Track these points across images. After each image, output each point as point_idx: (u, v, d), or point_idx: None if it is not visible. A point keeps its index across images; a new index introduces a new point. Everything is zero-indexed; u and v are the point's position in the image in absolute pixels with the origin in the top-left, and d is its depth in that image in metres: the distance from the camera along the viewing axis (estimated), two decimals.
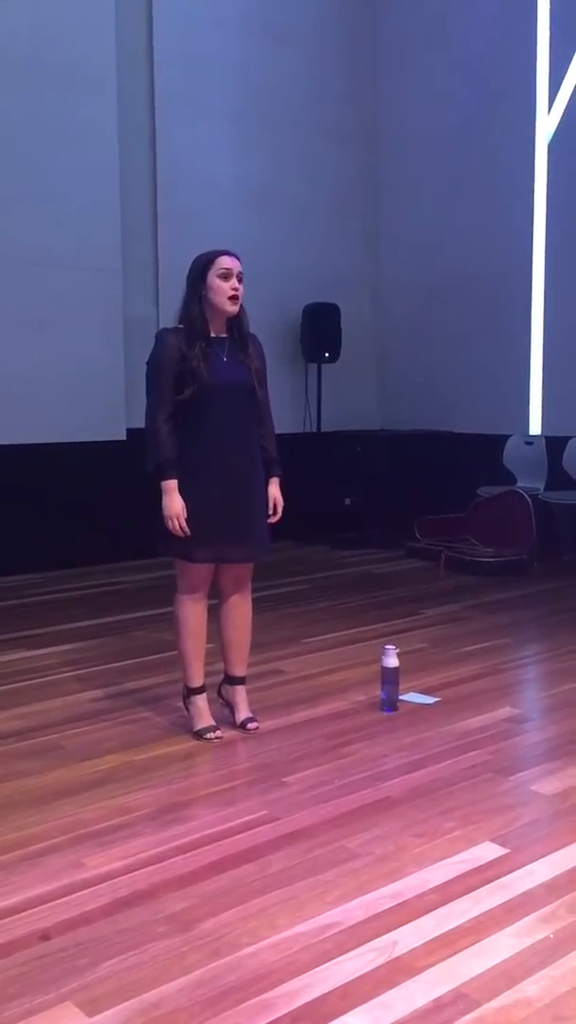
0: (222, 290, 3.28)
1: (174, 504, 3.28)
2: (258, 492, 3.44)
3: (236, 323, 3.37)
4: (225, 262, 3.29)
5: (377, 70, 7.96)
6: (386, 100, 7.96)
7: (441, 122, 7.51)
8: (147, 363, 3.38)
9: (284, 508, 3.49)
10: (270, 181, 7.32)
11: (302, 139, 7.51)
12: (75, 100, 6.28)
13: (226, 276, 3.29)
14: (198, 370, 3.25)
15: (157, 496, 3.31)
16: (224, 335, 3.37)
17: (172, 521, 3.28)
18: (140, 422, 3.45)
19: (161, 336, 3.36)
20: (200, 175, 6.97)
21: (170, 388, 3.28)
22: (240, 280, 3.31)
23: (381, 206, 8.07)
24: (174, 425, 3.30)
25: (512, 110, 7.04)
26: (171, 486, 3.29)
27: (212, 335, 3.34)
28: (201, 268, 3.31)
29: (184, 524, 3.28)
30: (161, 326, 3.57)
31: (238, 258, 3.34)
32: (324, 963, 2.13)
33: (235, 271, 3.30)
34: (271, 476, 3.49)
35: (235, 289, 3.30)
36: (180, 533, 3.28)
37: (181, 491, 3.29)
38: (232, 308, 3.31)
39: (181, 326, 3.33)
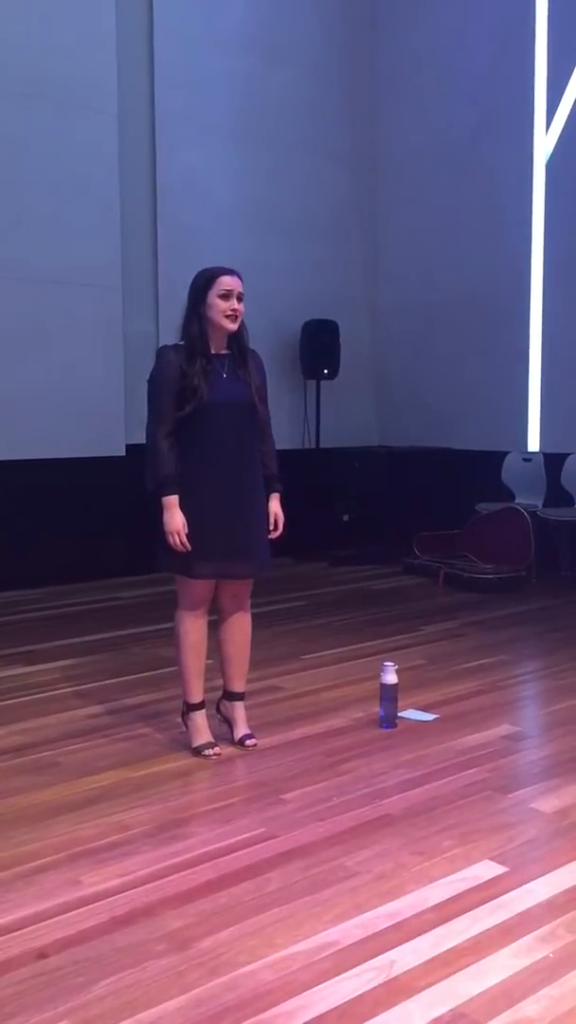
0: (221, 310, 3.30)
1: (175, 520, 3.29)
2: (259, 508, 3.44)
3: (236, 339, 3.38)
4: (226, 282, 3.30)
5: (376, 90, 8.02)
6: (385, 120, 8.01)
7: (439, 141, 7.56)
8: (148, 380, 3.40)
9: (283, 524, 3.50)
10: (269, 200, 7.36)
11: (301, 158, 7.56)
12: (76, 119, 6.32)
13: (226, 296, 3.30)
14: (198, 387, 3.26)
15: (158, 512, 3.32)
16: (225, 351, 3.38)
17: (173, 537, 3.28)
18: (139, 438, 3.46)
19: (162, 353, 3.38)
20: (200, 194, 7.01)
21: (171, 404, 3.29)
22: (240, 300, 3.33)
23: (380, 224, 8.11)
24: (175, 441, 3.31)
25: (510, 130, 7.08)
26: (172, 502, 3.30)
27: (212, 352, 3.35)
28: (202, 286, 3.33)
29: (185, 540, 3.28)
30: (160, 343, 3.60)
31: (239, 276, 3.35)
32: (322, 982, 2.12)
33: (235, 291, 3.31)
34: (272, 492, 3.50)
35: (234, 310, 3.31)
36: (181, 549, 3.29)
37: (182, 507, 3.30)
38: (231, 327, 3.33)
39: (182, 343, 3.35)
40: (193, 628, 3.43)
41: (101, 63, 6.41)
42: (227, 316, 3.31)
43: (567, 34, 6.75)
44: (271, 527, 3.47)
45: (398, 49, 7.86)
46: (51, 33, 6.19)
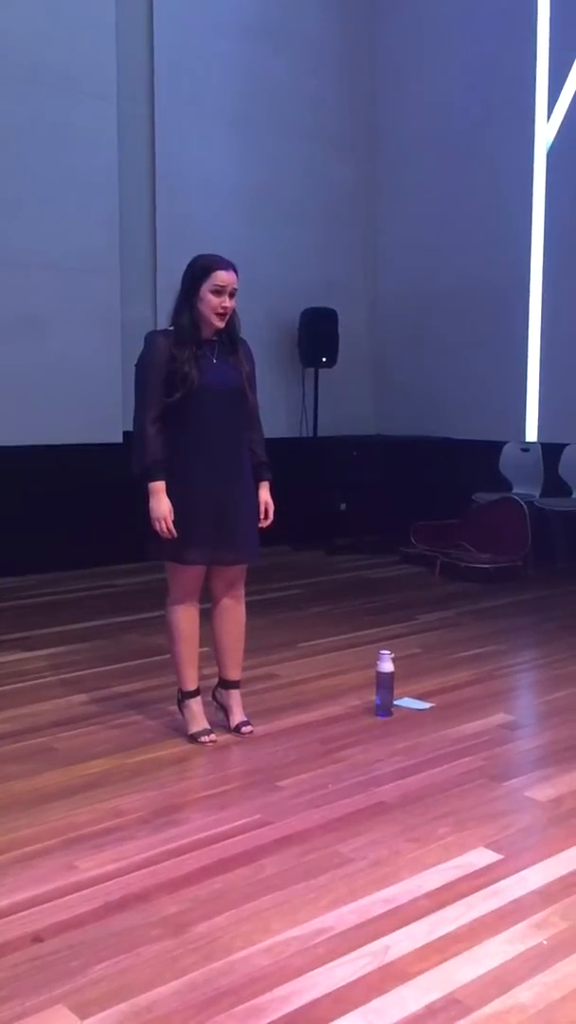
0: (212, 306, 3.28)
1: (161, 506, 3.27)
2: (247, 494, 3.43)
3: (227, 326, 3.36)
4: (220, 277, 3.27)
5: (376, 77, 7.99)
6: (385, 107, 7.98)
7: (440, 129, 7.53)
8: (136, 364, 3.38)
9: (279, 512, 3.49)
10: (268, 186, 7.34)
11: (301, 145, 7.53)
12: (75, 104, 6.29)
13: (218, 292, 3.27)
14: (188, 374, 3.25)
15: (145, 498, 3.31)
16: (215, 338, 3.36)
17: (158, 523, 3.26)
18: None
19: (150, 338, 3.36)
20: (199, 180, 6.98)
21: (159, 389, 3.28)
22: (232, 296, 3.30)
23: (379, 212, 8.09)
24: (162, 426, 3.30)
25: (511, 117, 7.06)
26: (158, 488, 3.28)
27: (203, 338, 3.33)
28: (197, 276, 3.29)
29: (171, 526, 3.26)
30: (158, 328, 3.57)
31: (235, 270, 3.32)
32: (317, 968, 2.12)
33: (228, 288, 3.28)
34: (261, 480, 3.48)
35: (224, 307, 3.28)
36: (166, 535, 3.27)
37: (169, 493, 3.28)
38: (218, 324, 3.31)
39: (171, 328, 3.33)
40: (184, 618, 3.42)
41: (100, 49, 6.38)
42: (216, 313, 3.28)
43: (569, 22, 6.72)
44: (261, 515, 3.46)
45: (398, 35, 7.82)
46: (50, 18, 6.15)
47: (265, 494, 3.48)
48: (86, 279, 6.38)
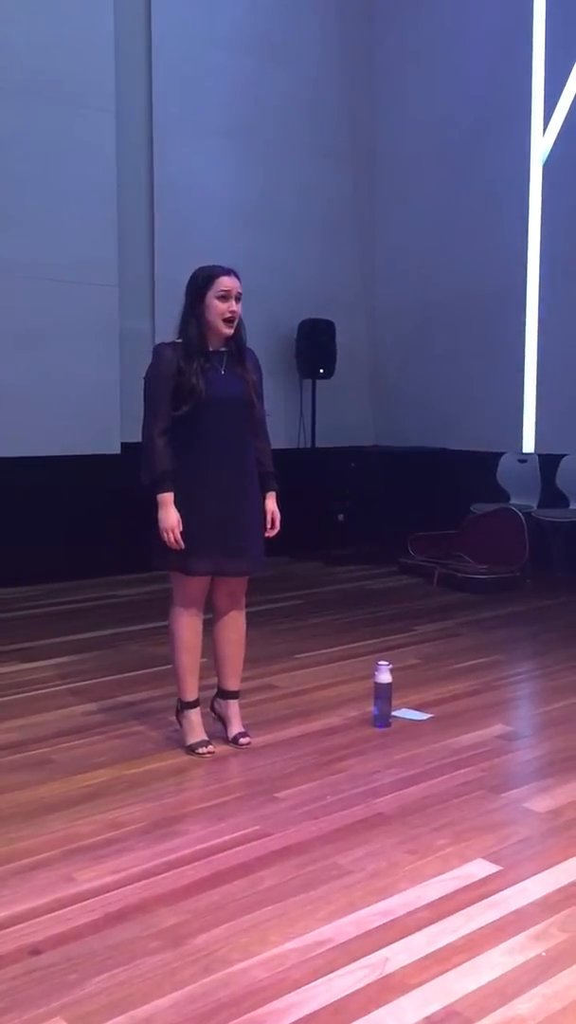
0: (219, 312, 3.29)
1: (169, 517, 3.29)
2: (254, 505, 3.45)
3: (234, 337, 3.38)
4: (224, 283, 3.29)
5: (374, 90, 8.02)
6: (382, 119, 8.02)
7: (437, 142, 7.57)
8: (144, 377, 3.39)
9: (279, 522, 3.50)
10: (266, 199, 7.37)
11: (299, 157, 7.56)
12: (74, 117, 6.32)
13: (224, 297, 3.29)
14: (196, 386, 3.26)
15: (153, 509, 3.32)
16: (222, 349, 3.38)
17: (167, 534, 3.28)
18: (135, 436, 3.45)
19: (159, 350, 3.37)
20: (197, 192, 7.01)
21: (167, 402, 3.29)
22: (238, 300, 3.32)
23: (377, 224, 8.12)
24: (170, 438, 3.31)
25: (508, 131, 7.10)
26: (166, 499, 3.30)
27: (210, 349, 3.35)
28: (200, 285, 3.31)
29: (179, 537, 3.28)
30: (157, 341, 3.59)
31: (237, 276, 3.34)
32: (315, 980, 2.12)
33: (233, 292, 3.31)
34: (268, 490, 3.50)
35: (232, 312, 3.31)
36: (175, 546, 3.29)
37: (177, 504, 3.30)
38: (228, 330, 3.33)
39: (179, 340, 3.35)
40: (187, 626, 3.43)
41: (99, 61, 6.41)
42: (225, 319, 3.31)
43: (565, 34, 6.76)
44: (268, 525, 3.48)
45: (396, 49, 7.87)
46: (49, 30, 6.18)
47: (271, 504, 3.50)
48: (85, 291, 6.40)
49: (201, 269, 3.35)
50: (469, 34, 7.33)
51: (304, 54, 7.58)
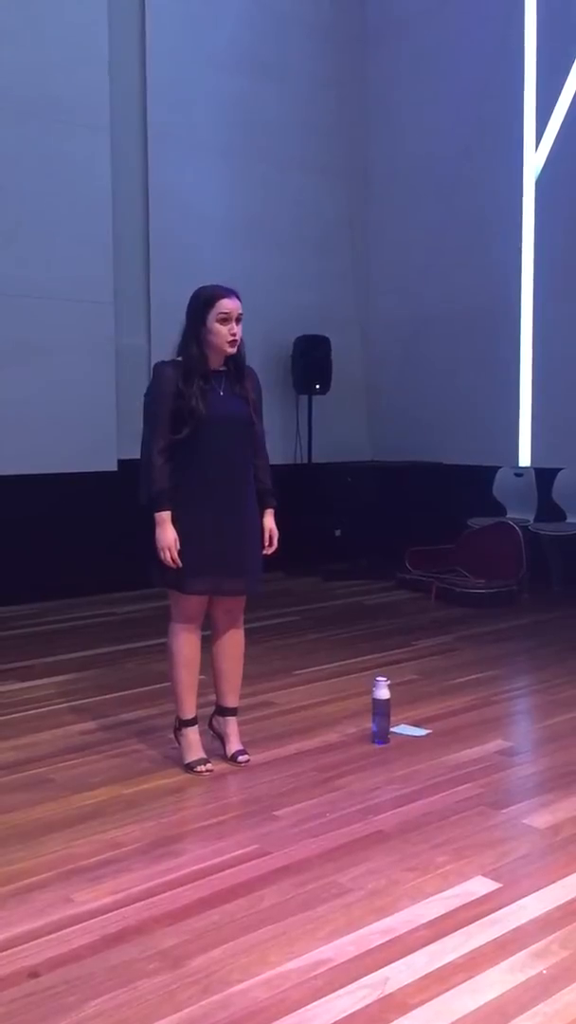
0: (221, 334, 3.29)
1: (167, 536, 3.29)
2: (252, 524, 3.45)
3: (233, 356, 3.38)
4: (225, 305, 3.29)
5: (367, 106, 8.08)
6: (376, 135, 8.07)
7: (430, 158, 7.61)
8: (145, 395, 3.39)
9: (277, 539, 3.50)
10: (261, 215, 7.40)
11: (293, 174, 7.60)
12: (69, 135, 6.35)
13: (225, 320, 3.29)
14: (196, 408, 3.26)
15: (151, 527, 3.32)
16: (222, 368, 3.39)
17: (164, 552, 3.28)
18: (132, 453, 3.46)
19: (159, 369, 3.38)
20: (192, 209, 7.04)
21: (166, 421, 3.29)
22: (239, 322, 3.32)
23: (371, 239, 8.16)
24: (169, 456, 3.32)
25: (500, 146, 7.14)
26: (164, 518, 3.30)
27: (211, 369, 3.35)
28: (201, 307, 3.31)
29: (176, 556, 3.28)
30: (152, 358, 3.60)
31: (238, 297, 3.34)
32: (315, 1000, 2.11)
33: (234, 314, 3.30)
34: (266, 507, 3.50)
35: (233, 334, 3.31)
36: (172, 565, 3.29)
37: (175, 522, 3.30)
38: (231, 351, 3.33)
39: (179, 359, 3.35)
40: (186, 643, 3.42)
41: (94, 80, 6.45)
42: (228, 342, 3.31)
43: (557, 51, 6.81)
44: (265, 543, 3.48)
45: (389, 66, 7.92)
46: (45, 50, 6.22)
47: (269, 521, 3.50)
48: (80, 308, 6.42)
49: (202, 289, 3.35)
50: (461, 52, 7.38)
51: (298, 72, 7.63)
